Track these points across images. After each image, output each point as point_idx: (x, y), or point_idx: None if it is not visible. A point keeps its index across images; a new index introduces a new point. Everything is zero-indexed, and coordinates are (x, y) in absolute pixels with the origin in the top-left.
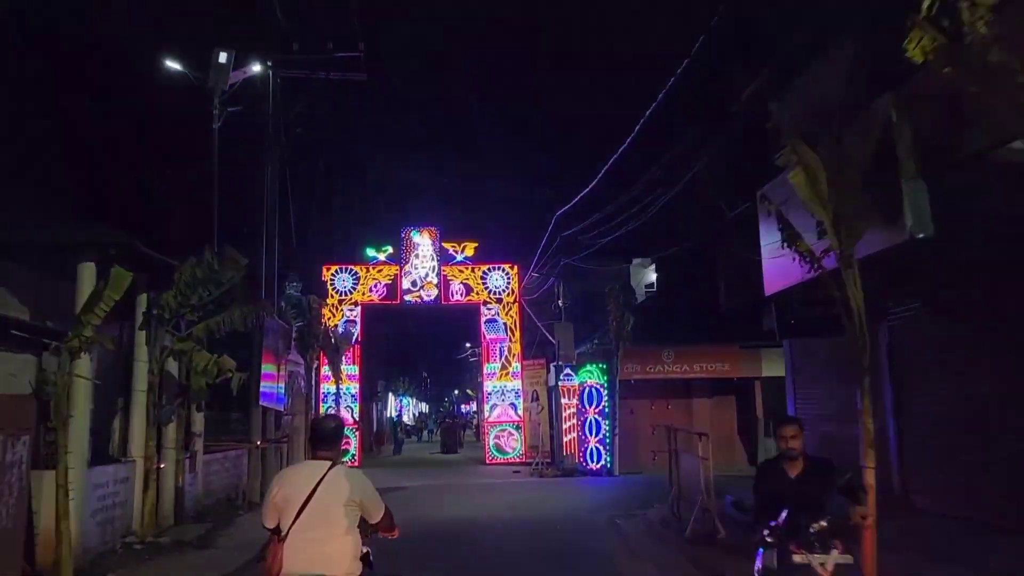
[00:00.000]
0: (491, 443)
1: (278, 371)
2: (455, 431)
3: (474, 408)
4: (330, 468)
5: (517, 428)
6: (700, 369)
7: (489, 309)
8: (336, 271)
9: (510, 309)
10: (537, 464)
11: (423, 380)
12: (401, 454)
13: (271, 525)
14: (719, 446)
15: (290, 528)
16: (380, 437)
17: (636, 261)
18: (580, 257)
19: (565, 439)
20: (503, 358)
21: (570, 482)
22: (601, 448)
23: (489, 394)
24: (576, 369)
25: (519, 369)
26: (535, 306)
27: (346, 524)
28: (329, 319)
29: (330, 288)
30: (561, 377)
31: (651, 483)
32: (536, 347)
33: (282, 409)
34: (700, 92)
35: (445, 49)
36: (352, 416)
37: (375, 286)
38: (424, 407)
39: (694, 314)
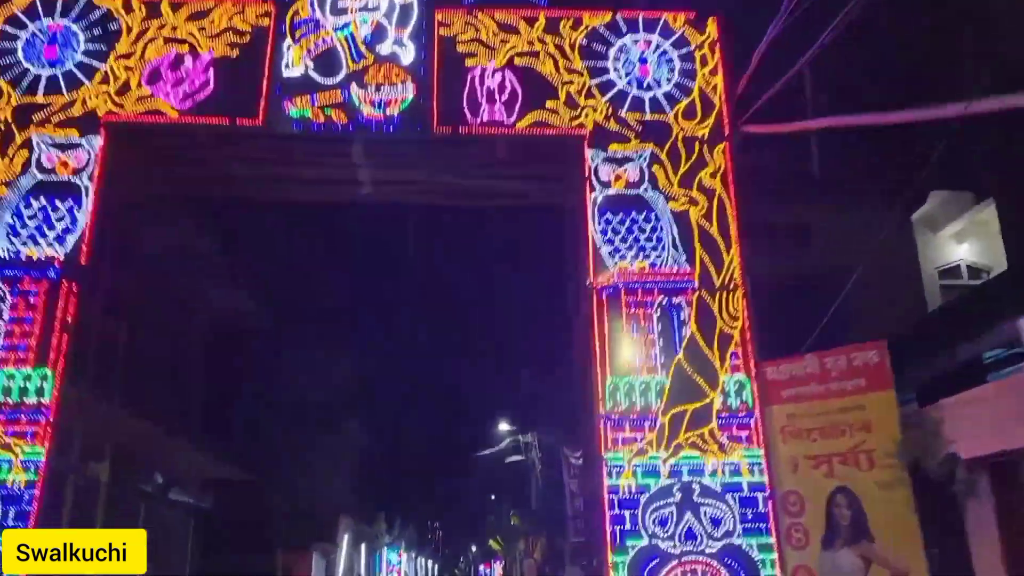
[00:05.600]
0: None
1: None
2: None
3: (498, 570)
4: None
5: None
6: None
7: (611, 163)
8: None
9: (701, 167)
10: None
11: (431, 529)
12: None
13: None
14: None
15: None
16: None
17: None
18: None
19: None
20: (663, 347)
21: None
22: None
23: (623, 503)
24: None
25: (750, 399)
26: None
27: None
28: None
29: None
30: None
31: None
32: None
33: None
34: None
35: None
36: None
37: (168, 66)
38: (432, 567)
39: None
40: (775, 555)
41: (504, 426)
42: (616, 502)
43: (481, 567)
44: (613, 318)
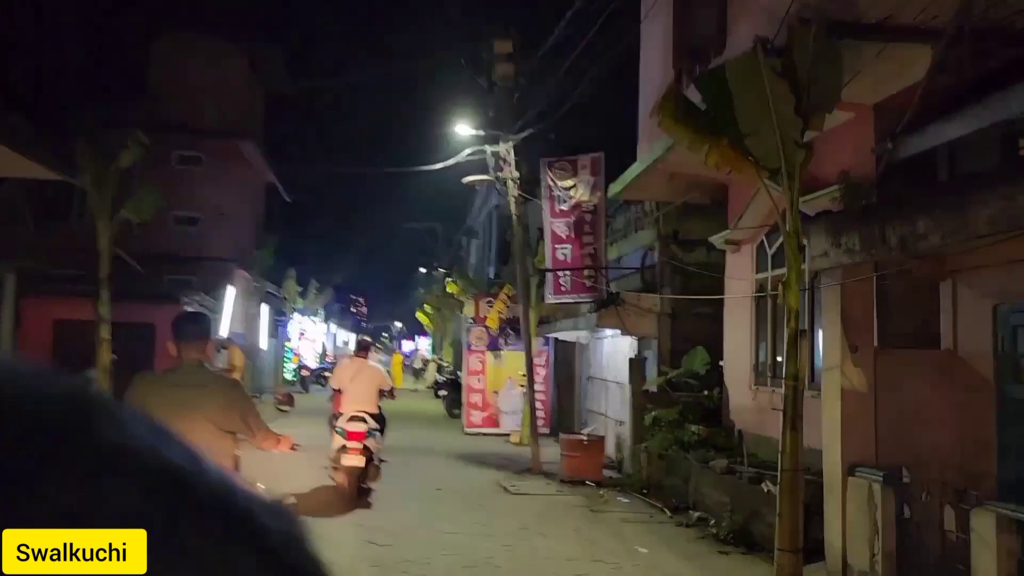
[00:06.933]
0: None
1: None
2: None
3: (419, 347)
4: (365, 362)
5: None
6: None
7: None
8: None
9: None
10: None
11: (353, 302)
12: None
13: (336, 387)
14: None
15: (347, 388)
16: None
17: None
18: None
19: None
20: None
21: None
22: None
23: None
24: None
25: None
26: None
27: (376, 389)
28: None
29: None
30: None
31: None
32: None
33: None
34: None
35: None
36: None
37: None
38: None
39: None
40: None
41: (464, 129)
42: None
43: (403, 343)
44: None
